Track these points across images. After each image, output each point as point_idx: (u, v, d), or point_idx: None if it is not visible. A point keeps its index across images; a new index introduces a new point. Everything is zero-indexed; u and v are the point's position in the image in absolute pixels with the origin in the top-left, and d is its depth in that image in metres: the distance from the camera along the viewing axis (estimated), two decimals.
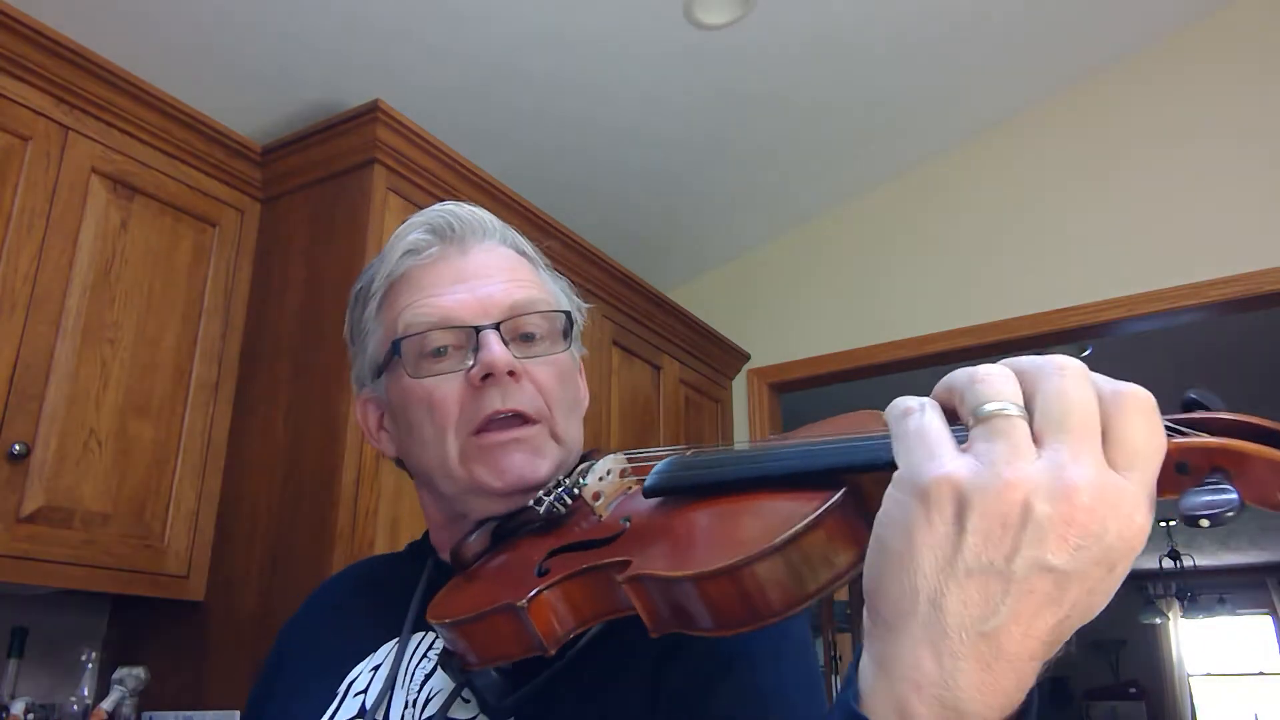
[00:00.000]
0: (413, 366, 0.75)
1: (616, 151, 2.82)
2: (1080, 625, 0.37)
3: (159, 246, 1.96)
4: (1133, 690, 8.89)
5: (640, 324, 2.94)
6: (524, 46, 2.34)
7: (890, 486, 0.39)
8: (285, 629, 0.90)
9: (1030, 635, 0.36)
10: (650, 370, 2.98)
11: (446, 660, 0.63)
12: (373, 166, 2.03)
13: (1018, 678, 0.37)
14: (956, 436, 0.39)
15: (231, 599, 1.89)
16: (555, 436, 0.75)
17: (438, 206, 0.81)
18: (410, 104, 2.14)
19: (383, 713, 0.70)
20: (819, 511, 0.44)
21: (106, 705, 1.82)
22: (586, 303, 0.88)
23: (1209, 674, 8.99)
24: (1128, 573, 0.37)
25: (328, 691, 0.75)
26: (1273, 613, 8.76)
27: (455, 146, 2.20)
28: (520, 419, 0.72)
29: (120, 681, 1.85)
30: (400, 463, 0.82)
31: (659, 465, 0.60)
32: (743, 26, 2.40)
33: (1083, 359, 0.39)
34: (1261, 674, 8.77)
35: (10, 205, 1.70)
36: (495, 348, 0.71)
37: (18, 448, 1.63)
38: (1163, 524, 7.33)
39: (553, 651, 0.55)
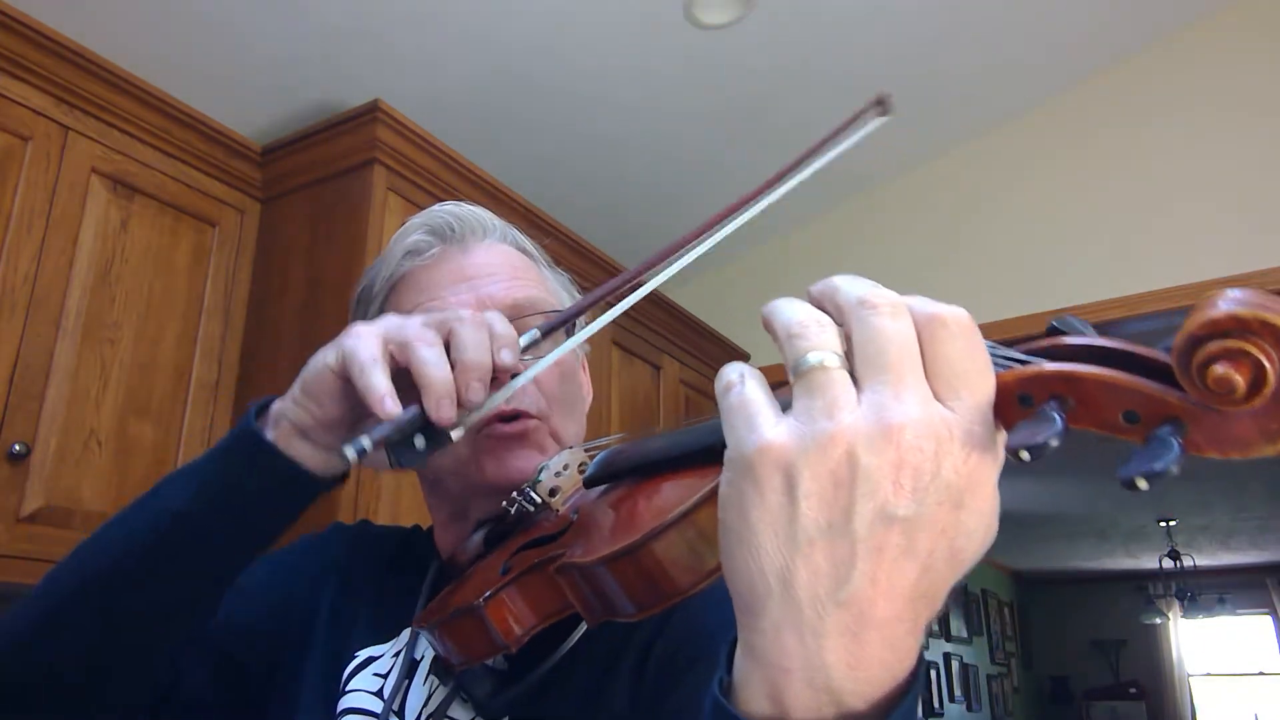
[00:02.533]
0: None
1: (616, 150, 2.82)
2: (954, 576, 0.35)
3: (159, 246, 1.96)
4: (1133, 690, 8.90)
5: (640, 324, 2.94)
6: (524, 44, 2.34)
7: (723, 468, 0.37)
8: (335, 552, 0.87)
9: (893, 595, 0.34)
10: (650, 370, 2.98)
11: (436, 663, 0.65)
12: (373, 166, 2.03)
13: (891, 646, 0.34)
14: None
15: None
16: (555, 435, 0.77)
17: (437, 207, 0.82)
18: (410, 104, 2.15)
19: (399, 703, 0.71)
20: (712, 484, 0.43)
21: None
22: None
23: (1209, 674, 9.00)
24: (992, 512, 0.35)
25: (342, 653, 0.76)
26: (1273, 613, 8.77)
27: (455, 146, 2.20)
28: (523, 415, 0.74)
29: None
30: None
31: (598, 455, 0.62)
32: (743, 26, 2.40)
33: None
34: (1261, 674, 8.78)
35: (10, 205, 1.70)
36: None
37: (18, 448, 1.63)
38: (1162, 524, 7.33)
39: (514, 650, 0.55)
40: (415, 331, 0.56)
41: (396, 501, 1.90)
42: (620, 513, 0.52)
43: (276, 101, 2.26)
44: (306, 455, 0.61)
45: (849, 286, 0.37)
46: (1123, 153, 2.81)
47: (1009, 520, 7.41)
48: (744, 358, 3.38)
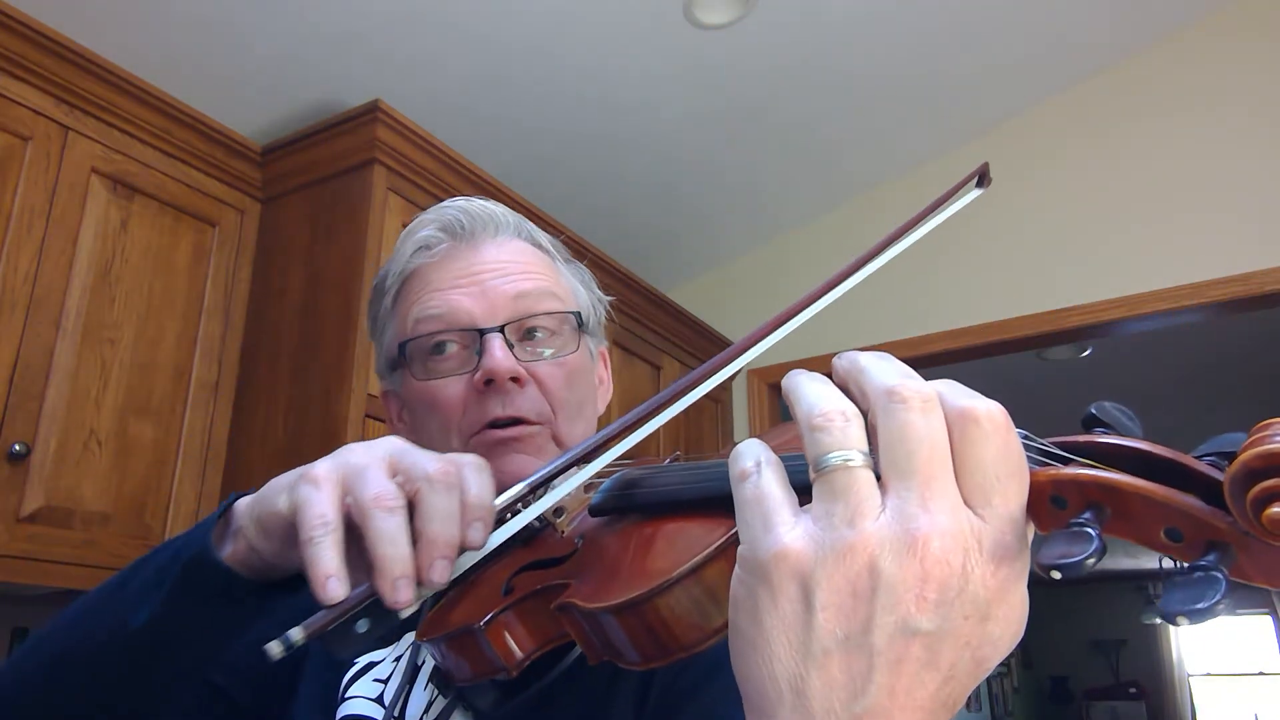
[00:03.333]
0: (419, 368, 0.75)
1: (616, 151, 2.82)
2: (975, 683, 0.34)
3: (159, 246, 1.96)
4: (1133, 690, 8.90)
5: (640, 324, 2.94)
6: (524, 44, 2.34)
7: (735, 565, 0.36)
8: None
9: (911, 707, 0.32)
10: (650, 370, 2.98)
11: (435, 674, 0.63)
12: (373, 166, 2.03)
13: None
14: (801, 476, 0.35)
15: None
16: (557, 439, 0.75)
17: (449, 202, 0.81)
18: (410, 104, 2.15)
19: (399, 709, 0.70)
20: (720, 541, 0.42)
21: None
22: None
23: (1209, 674, 9.00)
24: (1019, 619, 0.34)
25: (346, 661, 0.75)
26: (1273, 613, 8.76)
27: (455, 146, 2.20)
28: (521, 422, 0.72)
29: None
30: None
31: (605, 483, 0.59)
32: (743, 26, 2.40)
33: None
34: (1261, 674, 8.78)
35: (10, 205, 1.70)
36: (498, 353, 0.71)
37: (18, 448, 1.63)
38: None
39: (515, 674, 0.53)
40: (375, 491, 0.48)
41: None
42: (626, 555, 0.50)
43: (276, 101, 2.26)
44: (265, 573, 0.57)
45: (878, 372, 0.35)
46: (1123, 153, 2.81)
47: None
48: None
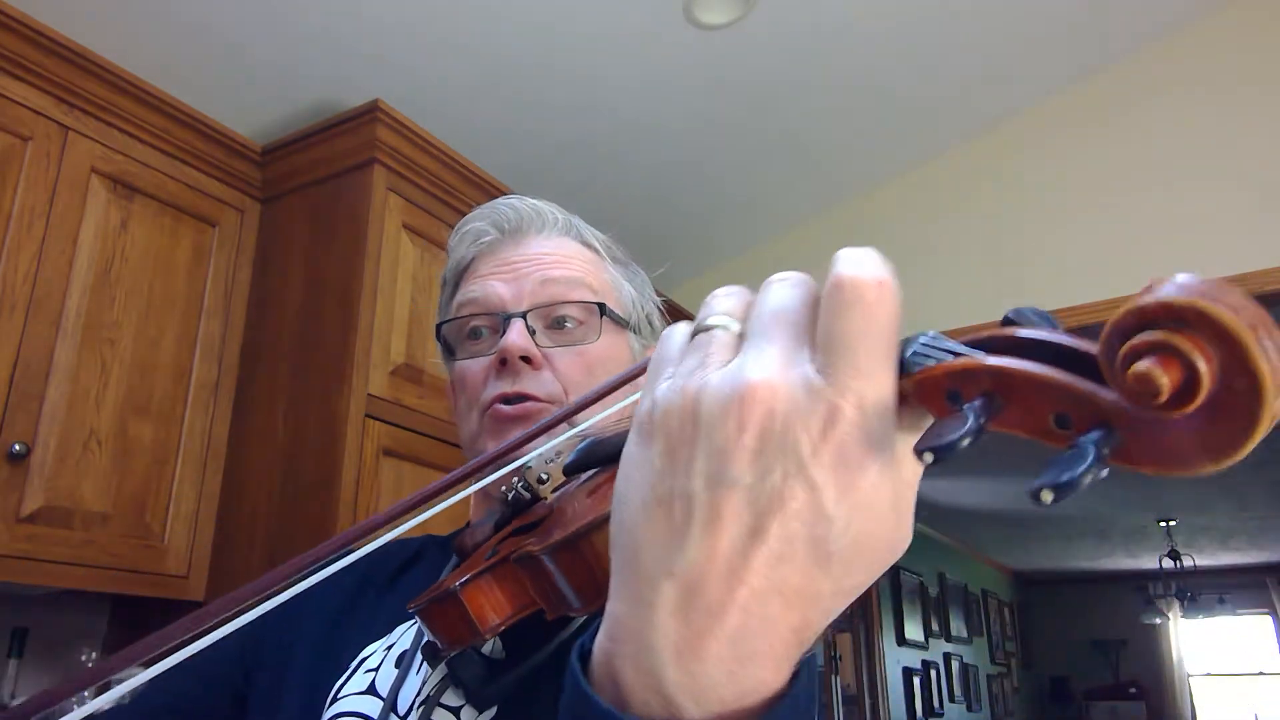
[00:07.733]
0: (456, 348, 0.80)
1: (616, 152, 2.82)
2: (827, 581, 0.30)
3: (159, 246, 1.96)
4: (1133, 690, 8.90)
5: None
6: (524, 44, 2.34)
7: None
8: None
9: (732, 578, 0.30)
10: None
11: (427, 647, 0.63)
12: (373, 166, 2.03)
13: (733, 643, 0.30)
14: None
15: None
16: (572, 423, 0.75)
17: (503, 198, 0.85)
18: (410, 104, 2.15)
19: (394, 697, 0.69)
20: None
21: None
22: None
23: (1209, 674, 9.00)
24: (874, 513, 0.31)
25: (336, 663, 0.75)
26: (1273, 613, 8.77)
27: (455, 146, 2.21)
28: (528, 399, 0.74)
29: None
30: None
31: (578, 445, 0.60)
32: (743, 26, 2.40)
33: None
34: (1261, 674, 8.78)
35: (10, 205, 1.70)
36: (512, 334, 0.74)
37: (18, 448, 1.63)
38: (1162, 524, 7.33)
39: (488, 638, 0.53)
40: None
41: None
42: (581, 503, 0.51)
43: (276, 101, 2.26)
44: None
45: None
46: (1121, 154, 2.81)
47: (1009, 520, 7.40)
48: None
